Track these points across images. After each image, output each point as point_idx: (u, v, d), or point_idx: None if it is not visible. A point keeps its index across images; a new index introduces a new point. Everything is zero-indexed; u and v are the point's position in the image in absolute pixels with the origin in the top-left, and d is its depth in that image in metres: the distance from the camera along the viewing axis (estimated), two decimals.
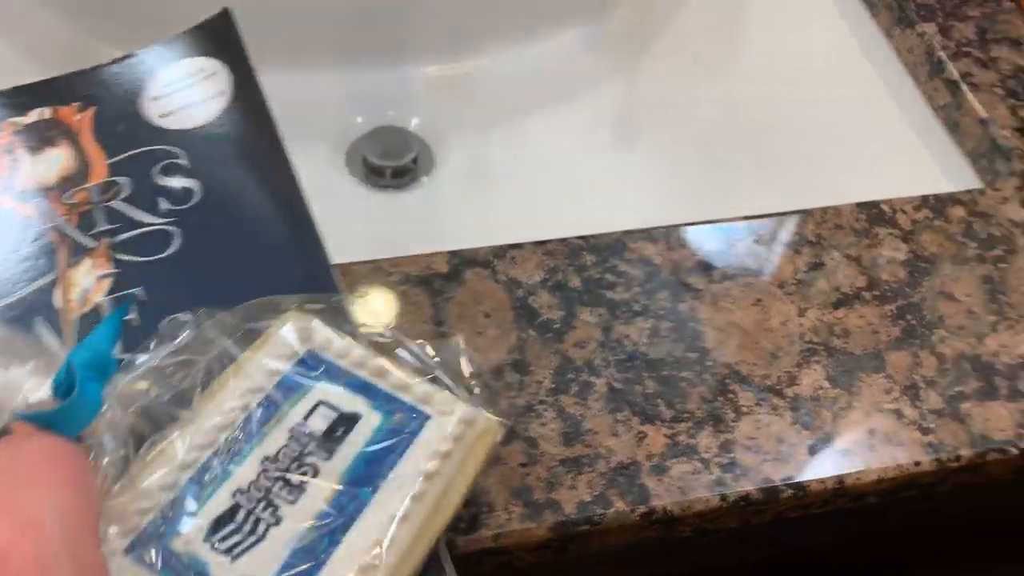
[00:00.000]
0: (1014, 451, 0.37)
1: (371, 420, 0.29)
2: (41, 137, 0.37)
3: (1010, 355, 0.39)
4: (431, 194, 0.63)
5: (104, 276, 0.33)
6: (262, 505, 0.27)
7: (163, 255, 0.34)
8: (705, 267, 0.41)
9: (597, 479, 0.35)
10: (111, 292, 0.33)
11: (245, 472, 0.27)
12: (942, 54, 0.51)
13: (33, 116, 0.38)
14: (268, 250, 0.34)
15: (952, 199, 0.44)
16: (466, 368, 0.32)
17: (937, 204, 0.44)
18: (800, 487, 0.35)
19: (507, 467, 0.35)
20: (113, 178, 0.36)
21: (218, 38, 0.39)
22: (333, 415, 0.29)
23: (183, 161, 0.36)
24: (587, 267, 0.41)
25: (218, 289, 0.33)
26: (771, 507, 0.35)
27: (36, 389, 0.26)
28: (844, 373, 0.38)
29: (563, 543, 0.34)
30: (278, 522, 0.26)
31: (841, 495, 0.36)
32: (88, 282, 0.33)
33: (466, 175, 0.63)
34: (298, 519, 0.26)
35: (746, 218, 0.43)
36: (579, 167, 0.62)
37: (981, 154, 0.48)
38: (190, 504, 0.27)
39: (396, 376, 0.30)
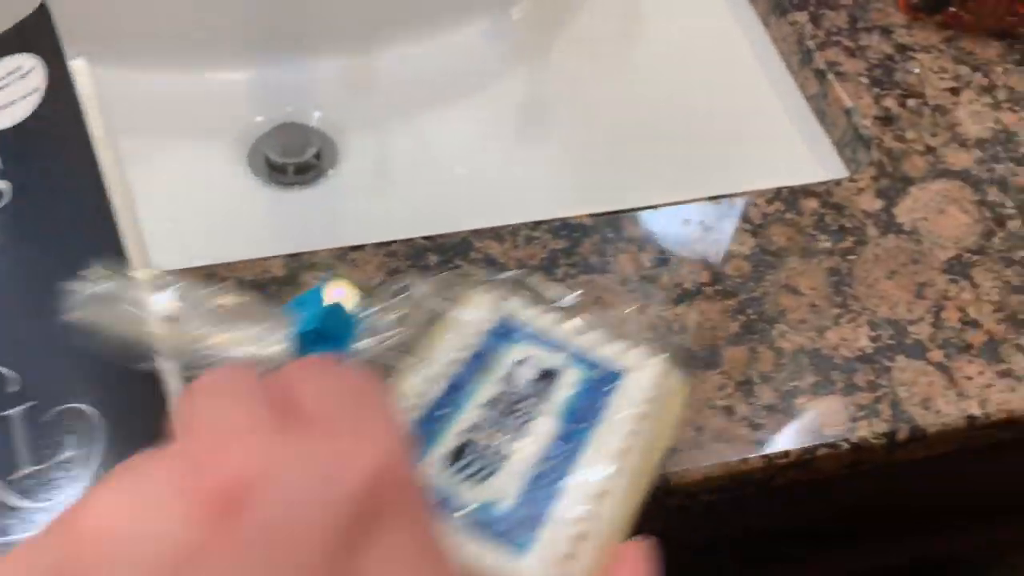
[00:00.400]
0: (845, 446, 0.37)
1: (570, 375, 0.31)
2: None
3: (849, 348, 0.39)
4: (336, 189, 0.62)
5: None
6: (491, 442, 0.29)
7: None
8: (549, 265, 0.41)
9: None
10: None
11: (468, 417, 0.30)
12: (811, 43, 0.50)
13: None
14: (67, 252, 0.33)
15: (805, 191, 0.44)
16: (646, 331, 0.34)
17: (790, 196, 0.44)
18: None
19: None
20: None
21: (37, 34, 0.38)
22: (537, 369, 0.32)
23: None
24: (430, 268, 0.40)
25: (12, 298, 0.32)
26: None
27: (266, 347, 0.29)
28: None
29: None
30: (509, 456, 0.29)
31: (669, 493, 0.36)
32: None
33: (371, 169, 0.63)
34: (525, 456, 0.29)
35: (594, 216, 0.42)
36: (482, 160, 0.62)
37: (846, 144, 0.48)
38: (422, 444, 0.29)
39: (587, 337, 0.33)
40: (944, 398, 0.38)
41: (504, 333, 0.33)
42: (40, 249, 0.34)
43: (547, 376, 0.31)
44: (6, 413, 0.30)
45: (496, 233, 0.42)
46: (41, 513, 0.28)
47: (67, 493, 0.28)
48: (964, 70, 0.50)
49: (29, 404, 0.30)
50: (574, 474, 0.29)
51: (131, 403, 0.30)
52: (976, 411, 0.38)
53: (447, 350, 0.32)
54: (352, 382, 0.20)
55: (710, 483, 0.36)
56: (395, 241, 0.41)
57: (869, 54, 0.50)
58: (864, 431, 0.37)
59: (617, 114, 0.61)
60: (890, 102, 0.48)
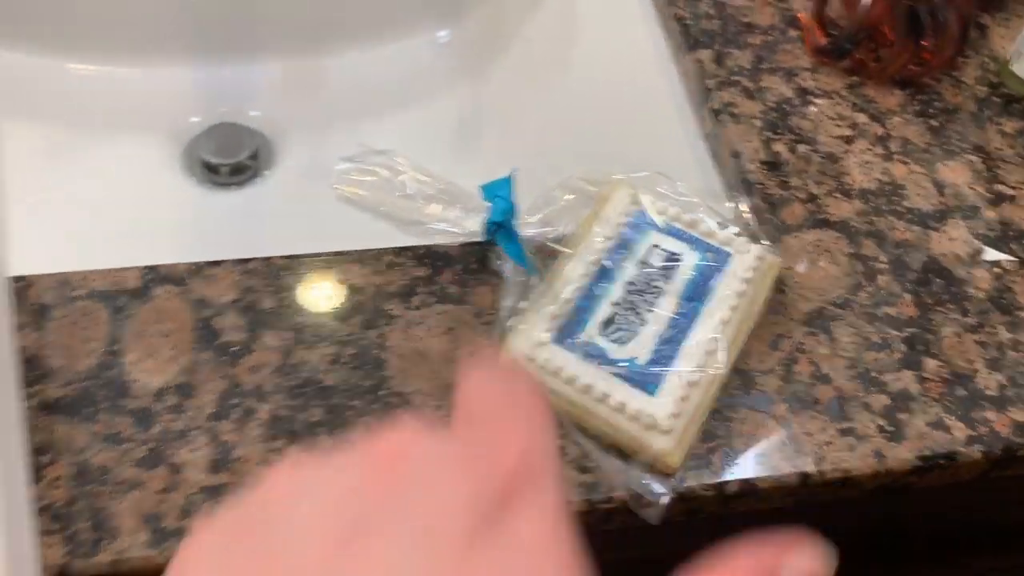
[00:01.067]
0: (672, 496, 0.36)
1: (691, 258, 0.40)
2: None
3: None
4: (270, 190, 0.62)
5: None
6: (631, 313, 0.39)
7: None
8: (408, 292, 0.41)
9: None
10: None
11: (616, 291, 0.39)
12: (710, 82, 0.50)
13: None
14: None
15: None
16: (751, 222, 0.44)
17: None
18: None
19: (144, 492, 0.34)
20: None
21: None
22: (665, 254, 0.40)
23: None
24: (284, 289, 0.40)
25: None
26: None
27: (469, 225, 0.40)
28: None
29: None
30: (644, 324, 0.38)
31: None
32: None
33: (306, 171, 0.63)
34: (657, 322, 0.39)
35: (463, 246, 0.42)
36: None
37: (732, 187, 0.48)
38: (584, 312, 0.39)
39: (703, 226, 0.41)
40: (781, 453, 0.38)
41: (639, 224, 0.41)
42: None
43: (672, 259, 0.40)
44: None
45: (359, 256, 0.42)
46: None
47: None
48: (862, 118, 0.50)
49: None
50: (689, 339, 0.38)
51: None
52: (811, 468, 0.37)
53: (597, 239, 0.40)
54: (511, 387, 0.22)
55: None
56: (254, 259, 0.41)
57: (768, 96, 0.50)
58: (693, 481, 0.37)
59: (542, 140, 0.61)
60: (780, 147, 0.48)
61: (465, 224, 0.40)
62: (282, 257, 0.41)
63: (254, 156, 0.62)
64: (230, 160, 0.62)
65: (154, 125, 0.62)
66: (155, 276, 0.40)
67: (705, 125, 0.50)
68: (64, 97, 0.63)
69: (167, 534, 0.34)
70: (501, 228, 0.40)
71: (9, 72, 0.60)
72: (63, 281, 0.39)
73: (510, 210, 0.40)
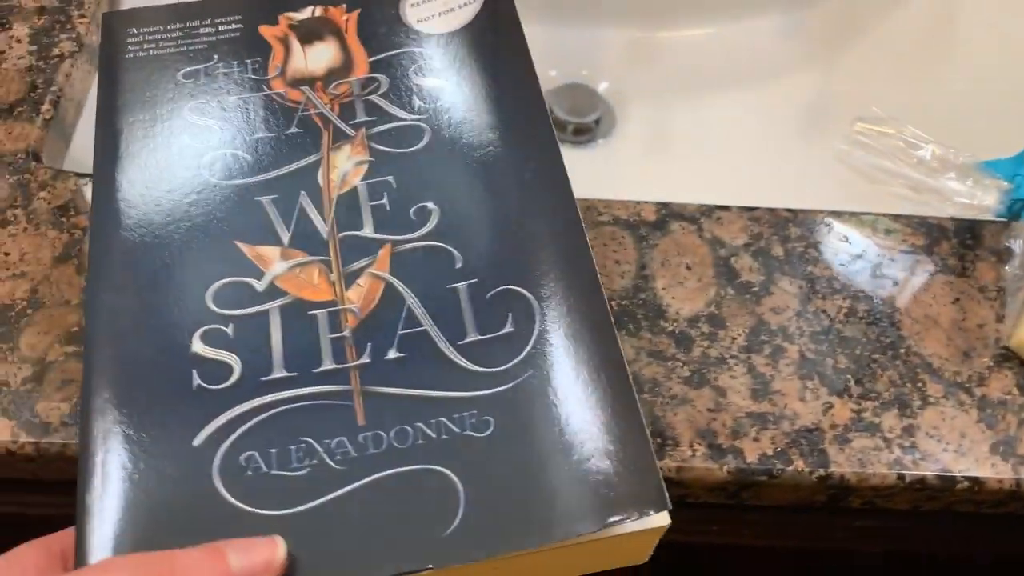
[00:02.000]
0: None
1: None
2: (312, 32, 0.40)
3: None
4: (606, 156, 0.65)
5: (361, 162, 0.36)
6: None
7: (414, 148, 0.36)
8: (908, 259, 0.41)
9: (780, 437, 0.36)
10: (366, 178, 0.35)
11: None
12: None
13: (306, 12, 0.41)
14: (505, 151, 0.36)
15: None
16: None
17: None
18: (977, 481, 0.35)
19: (694, 408, 0.36)
20: (373, 75, 0.39)
21: None
22: None
23: (436, 63, 0.38)
24: (791, 239, 0.42)
25: (458, 182, 0.35)
26: (945, 496, 0.36)
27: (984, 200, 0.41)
28: None
29: (739, 488, 0.36)
30: None
31: (1017, 498, 0.36)
32: (347, 166, 0.36)
33: (643, 144, 0.65)
34: None
35: (953, 219, 0.43)
36: (755, 149, 0.62)
37: None
38: None
39: None
40: None
41: None
42: (475, 145, 0.37)
43: None
44: (455, 285, 0.32)
45: (858, 218, 0.43)
46: (482, 377, 0.31)
47: (503, 364, 0.31)
48: None
49: (472, 281, 0.33)
50: None
51: (564, 292, 0.32)
52: None
53: None
54: None
55: None
56: (759, 208, 0.43)
57: None
58: None
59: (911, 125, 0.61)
60: None
61: (982, 199, 0.41)
62: (785, 210, 0.43)
63: (597, 121, 0.64)
64: (577, 119, 0.64)
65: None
66: (669, 212, 0.42)
67: None
68: None
69: (723, 451, 0.35)
70: None
71: None
72: (589, 206, 0.42)
73: None
